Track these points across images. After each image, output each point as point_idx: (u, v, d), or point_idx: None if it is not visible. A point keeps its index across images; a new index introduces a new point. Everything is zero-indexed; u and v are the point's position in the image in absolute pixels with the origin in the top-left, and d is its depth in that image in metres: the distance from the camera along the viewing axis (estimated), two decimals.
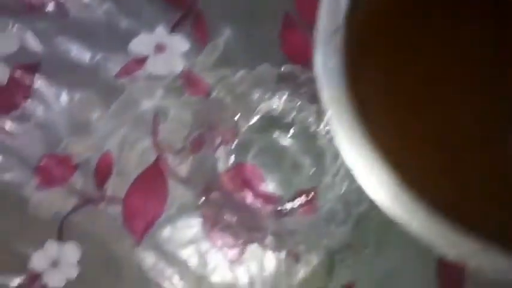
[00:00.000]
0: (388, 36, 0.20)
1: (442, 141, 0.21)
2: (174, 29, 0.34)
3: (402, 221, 0.17)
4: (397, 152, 0.17)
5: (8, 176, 0.33)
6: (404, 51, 0.21)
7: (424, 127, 0.21)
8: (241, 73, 0.31)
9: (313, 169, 0.34)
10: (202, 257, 0.33)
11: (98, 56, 0.34)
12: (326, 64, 0.18)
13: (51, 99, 0.34)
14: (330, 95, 0.17)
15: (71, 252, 0.33)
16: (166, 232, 0.33)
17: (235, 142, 0.34)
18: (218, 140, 0.33)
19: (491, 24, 0.22)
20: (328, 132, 0.33)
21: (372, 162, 0.17)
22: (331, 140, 0.33)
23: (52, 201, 0.33)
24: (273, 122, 0.34)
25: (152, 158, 0.34)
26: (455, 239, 0.16)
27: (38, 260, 0.33)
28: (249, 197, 0.34)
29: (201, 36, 0.34)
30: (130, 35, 0.34)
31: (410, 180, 0.17)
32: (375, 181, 0.17)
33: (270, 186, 0.34)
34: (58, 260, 0.33)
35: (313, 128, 0.33)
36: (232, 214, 0.31)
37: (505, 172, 0.21)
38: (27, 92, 0.34)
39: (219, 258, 0.33)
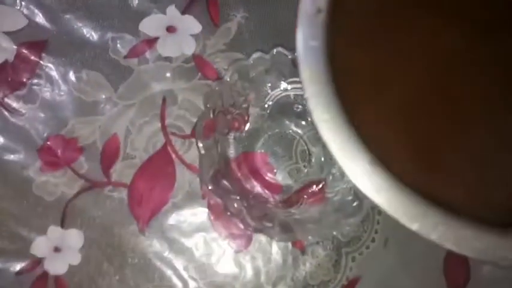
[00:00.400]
0: (369, 16, 0.20)
1: (414, 118, 0.21)
2: (186, 10, 0.34)
3: (369, 195, 0.17)
4: (373, 132, 0.18)
5: (12, 157, 0.33)
6: (386, 31, 0.21)
7: (400, 104, 0.21)
8: (254, 57, 0.30)
9: (323, 159, 0.33)
10: (207, 246, 0.33)
11: (107, 36, 0.33)
12: (307, 44, 0.18)
13: (58, 78, 0.33)
14: (309, 74, 0.18)
15: (74, 238, 0.33)
16: (171, 219, 0.33)
17: (245, 129, 0.33)
18: (229, 126, 0.32)
19: None
20: None
21: (347, 140, 0.17)
22: None
23: (56, 184, 0.33)
24: (284, 110, 0.33)
25: (160, 142, 0.33)
26: (418, 212, 0.17)
27: (41, 246, 0.32)
28: (257, 186, 0.33)
29: (213, 18, 0.34)
30: (141, 15, 0.33)
31: (381, 156, 0.17)
32: (349, 156, 0.17)
33: (279, 176, 0.33)
34: (61, 246, 0.32)
35: None
36: (240, 203, 0.31)
37: (475, 150, 0.21)
38: (34, 70, 0.33)
39: (224, 248, 0.33)
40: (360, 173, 0.17)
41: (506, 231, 0.16)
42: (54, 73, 0.33)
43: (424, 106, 0.21)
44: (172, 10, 0.33)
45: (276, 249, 0.33)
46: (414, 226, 0.17)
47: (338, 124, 0.17)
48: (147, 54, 0.33)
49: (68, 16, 0.33)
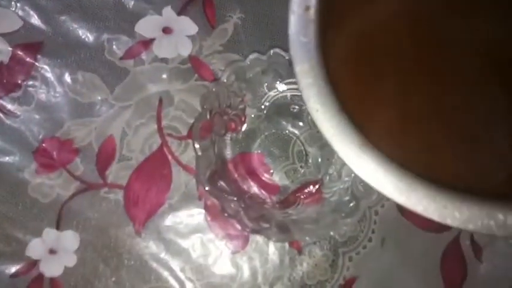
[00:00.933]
0: (357, 14, 0.22)
1: (399, 108, 0.22)
2: (182, 11, 0.34)
3: (361, 175, 0.18)
4: (364, 117, 0.19)
5: (7, 159, 0.32)
6: (375, 19, 0.22)
7: (386, 93, 0.22)
8: (251, 58, 0.30)
9: (320, 159, 0.33)
10: (204, 247, 0.33)
11: (103, 37, 0.33)
12: (299, 39, 0.19)
13: (53, 80, 0.33)
14: (302, 67, 0.19)
15: (69, 240, 0.32)
16: (168, 221, 0.33)
17: (242, 130, 0.33)
18: (225, 127, 0.32)
19: None
20: None
21: (337, 125, 0.18)
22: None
23: (52, 186, 0.33)
24: (281, 110, 0.33)
25: (156, 144, 0.33)
26: (404, 187, 0.18)
27: (36, 248, 0.32)
28: (254, 187, 0.33)
29: (209, 19, 0.34)
30: (136, 16, 0.33)
31: (372, 140, 0.19)
32: (341, 140, 0.18)
33: (276, 176, 0.33)
34: (56, 248, 0.32)
35: None
36: (237, 203, 0.31)
37: (464, 127, 0.22)
38: (29, 72, 0.33)
39: (221, 249, 0.33)
40: (352, 155, 0.18)
41: (485, 202, 0.18)
42: (49, 75, 0.33)
43: (414, 88, 0.22)
44: (168, 11, 0.33)
45: (273, 249, 0.33)
46: (401, 199, 0.18)
47: (330, 112, 0.18)
48: (143, 56, 0.33)
49: (63, 17, 0.33)
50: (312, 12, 0.19)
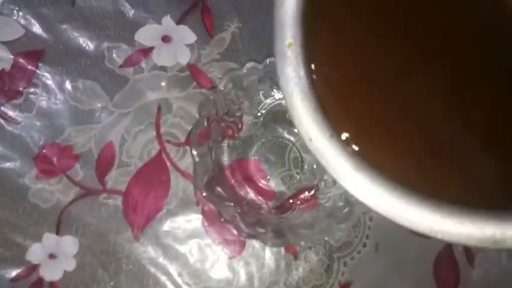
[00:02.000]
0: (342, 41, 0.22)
1: (391, 126, 0.22)
2: (181, 20, 0.34)
3: (353, 192, 0.19)
4: (355, 137, 0.19)
5: (8, 165, 0.33)
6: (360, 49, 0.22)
7: (376, 114, 0.22)
8: (248, 66, 0.31)
9: (315, 166, 0.34)
10: (201, 251, 0.33)
11: (103, 46, 0.34)
12: (285, 71, 0.19)
13: (54, 87, 0.34)
14: (291, 99, 0.19)
15: (69, 245, 0.33)
16: (166, 226, 0.33)
17: (239, 136, 0.34)
18: (223, 134, 0.33)
19: None
20: None
21: (334, 151, 0.19)
22: None
23: (52, 191, 0.33)
24: (277, 117, 0.34)
25: (155, 150, 0.34)
26: (395, 204, 0.18)
27: (36, 252, 0.33)
28: (251, 193, 0.34)
29: (208, 28, 0.34)
30: (136, 25, 0.34)
31: (366, 157, 0.19)
32: (336, 164, 0.19)
33: (272, 182, 0.34)
34: (56, 253, 0.33)
35: None
36: (234, 209, 0.31)
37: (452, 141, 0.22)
38: (30, 79, 0.33)
39: (218, 254, 0.33)
40: (348, 177, 0.19)
41: (476, 215, 0.18)
42: (50, 82, 0.34)
43: (404, 106, 0.22)
44: (167, 20, 0.34)
45: (269, 254, 0.33)
46: (395, 217, 0.18)
47: (323, 140, 0.19)
48: (143, 64, 0.34)
49: (64, 26, 0.34)
50: (296, 46, 0.19)
